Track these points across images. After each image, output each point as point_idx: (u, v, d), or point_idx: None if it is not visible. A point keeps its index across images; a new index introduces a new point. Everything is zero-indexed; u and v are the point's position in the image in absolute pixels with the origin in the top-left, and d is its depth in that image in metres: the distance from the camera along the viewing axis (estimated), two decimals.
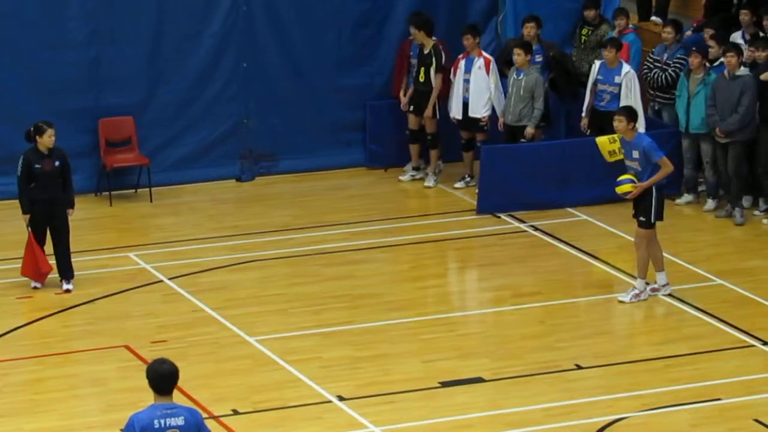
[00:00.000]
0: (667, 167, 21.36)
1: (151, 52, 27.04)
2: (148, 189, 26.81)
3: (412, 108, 26.36)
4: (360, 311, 22.06)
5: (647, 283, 21.89)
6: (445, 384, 19.49)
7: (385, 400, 19.03)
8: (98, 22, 26.70)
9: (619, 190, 22.81)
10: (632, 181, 22.59)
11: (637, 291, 21.75)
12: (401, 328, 21.37)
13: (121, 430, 13.65)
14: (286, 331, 21.12)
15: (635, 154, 21.47)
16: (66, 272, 22.54)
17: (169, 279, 23.29)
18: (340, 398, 18.93)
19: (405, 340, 21.09)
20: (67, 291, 22.39)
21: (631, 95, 24.75)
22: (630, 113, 21.60)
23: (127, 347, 20.39)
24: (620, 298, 22.00)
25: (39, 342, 21.39)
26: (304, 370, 19.68)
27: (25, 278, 22.74)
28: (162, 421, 12.82)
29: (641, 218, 21.80)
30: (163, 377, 12.96)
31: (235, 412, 18.48)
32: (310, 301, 22.32)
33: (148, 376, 13.05)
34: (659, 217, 21.89)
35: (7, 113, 25.21)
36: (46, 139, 22.10)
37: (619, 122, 22.09)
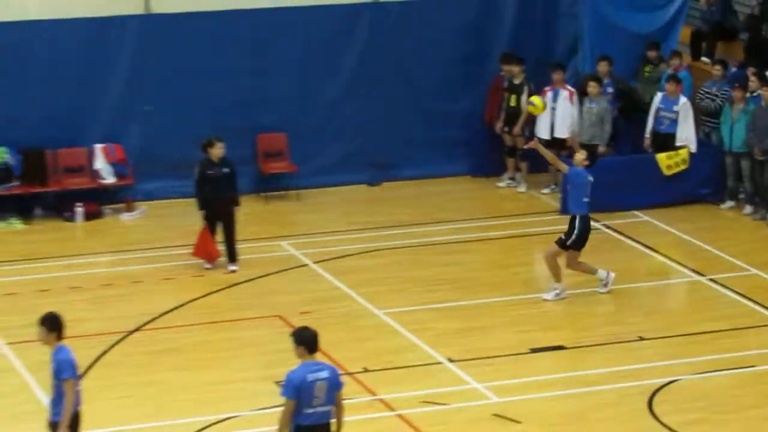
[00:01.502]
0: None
1: (299, 81, 26.94)
2: (296, 191, 26.99)
3: (506, 129, 26.36)
4: (464, 291, 22.20)
5: (556, 290, 21.07)
6: (533, 350, 19.85)
7: (485, 363, 19.40)
8: (257, 56, 26.65)
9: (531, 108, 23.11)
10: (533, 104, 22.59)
11: (557, 290, 21.17)
12: (497, 306, 21.60)
13: (281, 385, 14.08)
14: (406, 306, 21.40)
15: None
16: (232, 256, 23.01)
17: (314, 263, 23.56)
18: (450, 360, 19.28)
19: (500, 314, 21.30)
20: (233, 271, 22.91)
21: (686, 121, 25.05)
22: None
23: (280, 317, 20.87)
24: (544, 297, 21.47)
25: (210, 311, 21.69)
26: (420, 337, 20.05)
27: (199, 260, 23.05)
28: (312, 375, 13.59)
29: (561, 236, 21.29)
30: (312, 339, 13.67)
31: (365, 370, 18.88)
32: (425, 282, 22.57)
33: (299, 340, 13.77)
34: (577, 245, 21.15)
35: (188, 131, 25.29)
36: (217, 151, 22.56)
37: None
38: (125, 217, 26.17)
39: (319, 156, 27.58)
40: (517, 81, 26.75)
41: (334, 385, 14.09)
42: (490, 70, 28.02)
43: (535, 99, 23.30)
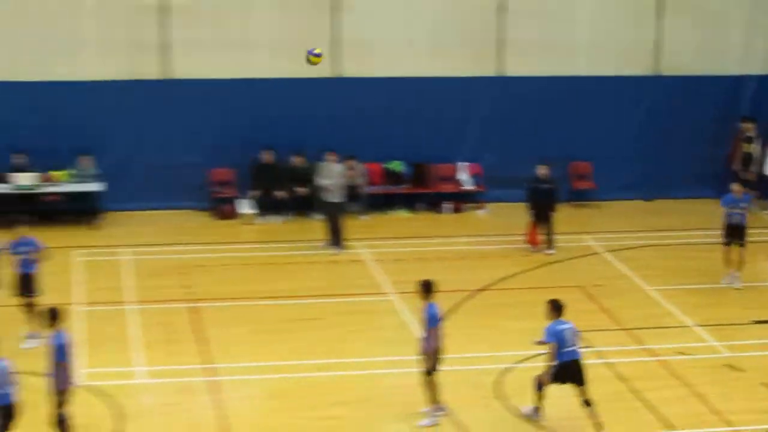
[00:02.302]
0: None
1: (606, 129, 28.91)
2: (596, 202, 28.95)
3: (742, 168, 28.32)
4: (705, 277, 23.84)
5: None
6: (756, 322, 21.56)
7: (720, 328, 21.16)
8: (576, 114, 28.69)
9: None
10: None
11: None
12: (728, 289, 23.36)
13: (543, 336, 16.73)
14: (666, 285, 23.36)
15: None
16: (550, 244, 25.10)
17: (605, 252, 25.56)
18: (696, 324, 21.15)
19: (729, 294, 23.13)
20: (550, 254, 25.11)
21: None
22: None
23: (579, 287, 23.09)
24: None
25: (532, 280, 23.58)
26: (676, 307, 22.11)
27: (528, 245, 25.26)
28: (561, 326, 16.62)
29: None
30: (560, 306, 16.80)
31: (637, 328, 21.00)
32: (679, 270, 24.36)
33: (554, 307, 16.79)
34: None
35: (525, 157, 26.38)
36: (543, 171, 24.89)
37: None
38: (478, 213, 28.29)
39: (614, 178, 28.82)
40: (750, 134, 28.27)
41: (576, 333, 16.89)
42: (731, 129, 29.23)
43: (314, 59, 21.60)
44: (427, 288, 17.09)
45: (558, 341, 16.75)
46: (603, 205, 29.10)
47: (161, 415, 17.86)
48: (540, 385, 17.14)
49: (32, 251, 20.07)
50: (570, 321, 17.05)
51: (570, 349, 16.84)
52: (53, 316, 15.88)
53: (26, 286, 20.01)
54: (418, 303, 17.26)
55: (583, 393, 16.84)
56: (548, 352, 16.74)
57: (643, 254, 25.75)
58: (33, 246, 20.13)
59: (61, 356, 15.67)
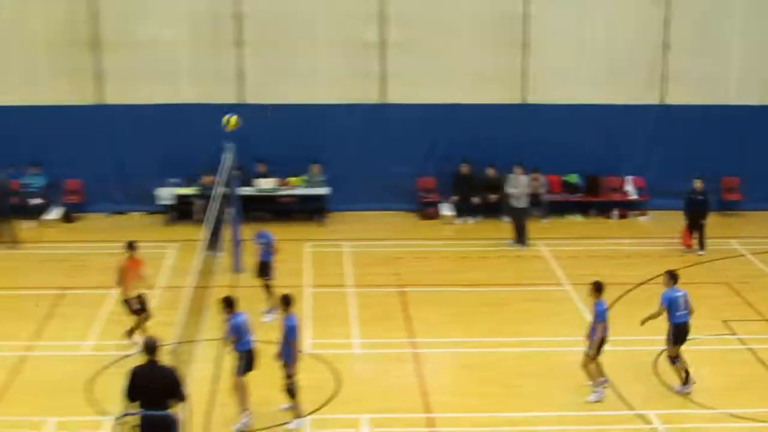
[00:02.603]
0: None
1: (752, 149, 28.01)
2: (743, 211, 28.17)
3: None
4: None
5: None
6: None
7: None
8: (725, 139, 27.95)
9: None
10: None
11: None
12: None
13: (662, 297, 17.12)
14: None
15: None
16: (701, 246, 24.58)
17: (749, 254, 24.86)
18: None
19: None
20: (701, 255, 24.50)
21: None
22: None
23: (726, 283, 22.65)
24: None
25: (683, 277, 20.64)
26: None
27: (681, 247, 24.82)
28: (675, 294, 17.12)
29: None
30: (675, 275, 17.41)
31: None
32: None
33: (670, 276, 17.34)
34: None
35: (684, 173, 25.74)
36: (698, 185, 24.54)
37: None
38: (641, 219, 27.89)
39: (759, 191, 28.19)
40: None
41: (687, 300, 17.37)
42: None
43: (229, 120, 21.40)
44: (597, 288, 17.10)
45: (671, 306, 17.24)
46: (748, 214, 28.42)
47: (372, 379, 18.23)
48: (674, 360, 17.41)
49: (269, 243, 20.66)
50: (684, 289, 17.49)
51: (682, 312, 17.33)
52: (286, 302, 16.18)
53: (264, 271, 20.60)
54: (589, 298, 17.25)
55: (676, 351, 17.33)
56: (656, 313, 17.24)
57: None
58: (269, 238, 20.72)
59: (291, 335, 16.03)
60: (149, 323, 18.91)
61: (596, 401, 17.05)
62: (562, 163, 27.89)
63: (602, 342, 17.05)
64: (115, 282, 19.25)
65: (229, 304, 16.18)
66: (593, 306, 17.08)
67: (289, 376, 16.24)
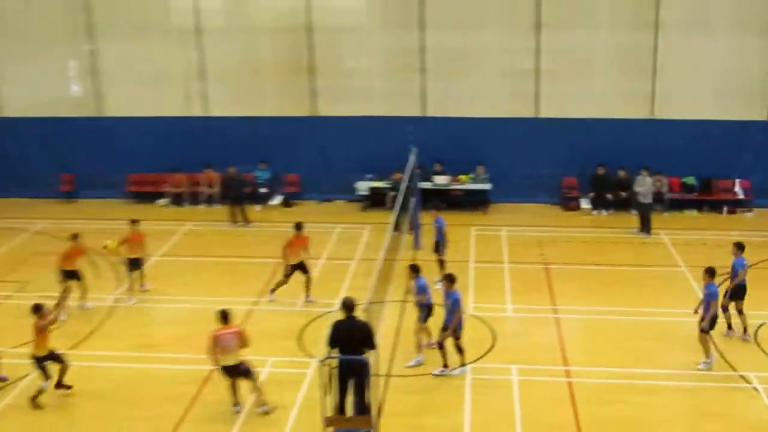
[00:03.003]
0: None
1: None
2: None
3: None
4: None
5: None
6: None
7: None
8: None
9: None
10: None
11: None
12: None
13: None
14: None
15: None
16: None
17: None
18: None
19: None
20: None
21: None
22: None
23: None
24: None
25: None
26: None
27: None
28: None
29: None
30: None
31: None
32: None
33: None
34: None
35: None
36: None
37: None
38: (747, 215, 26.72)
39: None
40: None
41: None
42: None
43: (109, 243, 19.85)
44: (710, 272, 16.67)
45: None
46: None
47: (520, 336, 18.34)
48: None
49: (442, 227, 20.79)
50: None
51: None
52: (450, 279, 16.22)
53: (438, 248, 20.69)
54: (702, 281, 16.82)
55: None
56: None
57: None
58: (442, 224, 20.83)
59: (455, 305, 16.08)
60: (346, 286, 19.32)
61: (704, 369, 16.69)
62: (681, 167, 27.15)
63: (714, 318, 16.64)
64: (281, 252, 19.74)
65: (415, 269, 16.74)
66: (705, 287, 16.64)
67: (457, 338, 16.36)
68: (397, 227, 22.11)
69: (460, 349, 16.57)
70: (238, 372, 15.05)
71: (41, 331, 15.45)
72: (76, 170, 28.71)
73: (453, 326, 16.19)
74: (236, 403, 15.37)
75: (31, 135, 28.69)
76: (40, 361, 15.61)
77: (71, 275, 19.54)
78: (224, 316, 15.16)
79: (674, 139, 26.87)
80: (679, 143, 26.89)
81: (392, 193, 24.97)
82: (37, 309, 15.64)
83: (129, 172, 28.58)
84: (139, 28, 27.75)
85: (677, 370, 16.60)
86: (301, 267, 19.62)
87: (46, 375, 15.63)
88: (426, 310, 16.89)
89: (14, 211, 27.32)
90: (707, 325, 16.63)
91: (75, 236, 19.90)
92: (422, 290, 16.81)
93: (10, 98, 28.75)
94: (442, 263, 20.61)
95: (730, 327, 18.17)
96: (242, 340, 15.05)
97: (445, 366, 16.45)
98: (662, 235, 24.69)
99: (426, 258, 21.37)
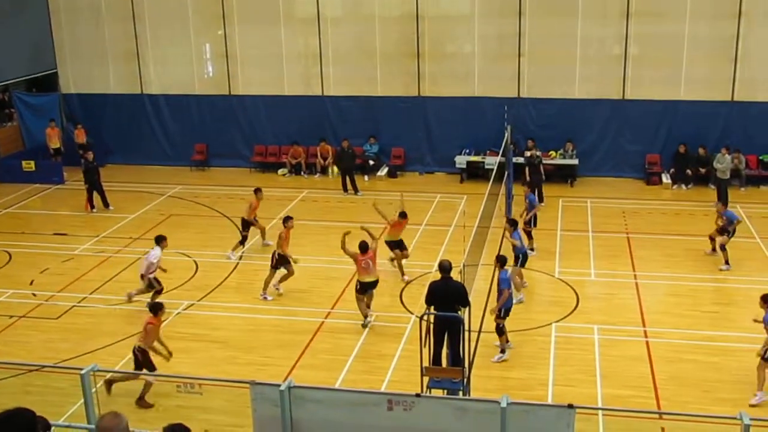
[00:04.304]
0: None
1: None
2: None
3: None
4: None
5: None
6: None
7: None
8: None
9: None
10: None
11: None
12: None
13: None
14: None
15: None
16: None
17: None
18: None
19: None
20: None
21: None
22: None
23: None
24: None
25: None
26: None
27: None
28: None
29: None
30: None
31: None
32: None
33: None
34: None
35: None
36: None
37: None
38: None
39: None
40: None
41: None
42: None
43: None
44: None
45: None
46: None
47: (602, 299, 18.10)
48: None
49: (533, 202, 20.50)
50: None
51: None
52: (501, 261, 15.25)
53: (528, 221, 20.37)
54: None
55: None
56: None
57: None
58: (534, 199, 20.61)
59: (505, 285, 15.23)
60: (443, 250, 19.32)
61: None
62: (759, 146, 26.17)
63: None
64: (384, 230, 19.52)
65: (512, 223, 17.33)
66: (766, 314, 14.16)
67: (498, 318, 15.37)
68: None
69: (501, 331, 15.54)
70: (373, 286, 16.54)
71: (152, 330, 13.98)
72: (209, 142, 29.25)
73: (499, 306, 15.32)
74: (366, 315, 16.60)
75: (170, 110, 29.44)
76: (143, 354, 13.94)
77: (246, 225, 20.68)
78: (363, 247, 16.65)
79: (753, 121, 25.92)
80: (757, 124, 25.91)
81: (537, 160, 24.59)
82: (155, 308, 14.21)
83: (254, 144, 29.01)
84: (267, 16, 28.05)
85: (749, 333, 16.06)
86: (400, 245, 19.34)
87: (152, 367, 13.99)
88: (522, 257, 17.53)
89: (154, 177, 28.12)
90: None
91: (258, 190, 20.94)
92: (516, 237, 17.51)
93: (153, 78, 29.50)
94: (530, 234, 20.40)
95: None
96: (375, 262, 16.70)
97: (502, 351, 15.60)
98: (739, 209, 23.68)
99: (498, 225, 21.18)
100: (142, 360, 13.92)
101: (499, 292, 15.40)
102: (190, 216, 23.91)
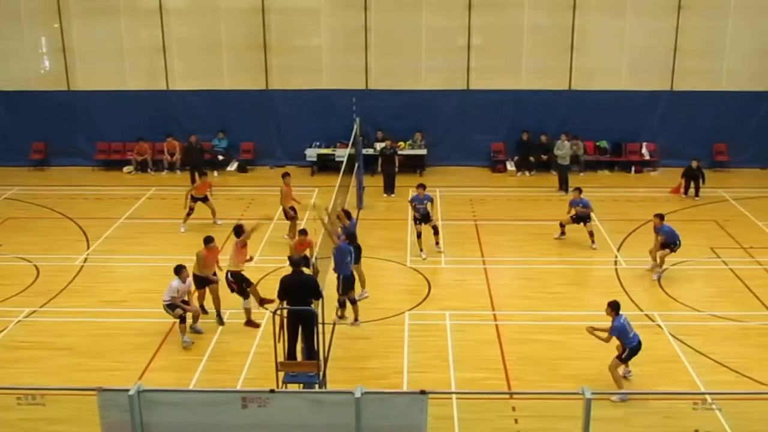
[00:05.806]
0: None
1: None
2: (730, 168, 26.59)
3: None
4: None
5: None
6: None
7: None
8: None
9: None
10: None
11: None
12: None
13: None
14: None
15: None
16: (697, 193, 23.75)
17: (733, 200, 23.63)
18: None
19: None
20: (697, 200, 23.59)
21: None
22: None
23: (714, 221, 21.85)
24: None
25: (682, 216, 22.11)
26: None
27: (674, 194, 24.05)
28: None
29: None
30: None
31: None
32: None
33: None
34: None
35: None
36: (694, 164, 23.73)
37: None
38: (653, 173, 26.73)
39: (744, 153, 26.77)
40: None
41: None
42: None
43: None
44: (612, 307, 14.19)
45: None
46: (733, 171, 27.12)
47: (453, 285, 18.39)
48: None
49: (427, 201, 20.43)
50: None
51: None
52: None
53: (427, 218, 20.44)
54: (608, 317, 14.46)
55: None
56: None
57: (759, 203, 24.00)
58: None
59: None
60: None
61: None
62: (595, 132, 27.25)
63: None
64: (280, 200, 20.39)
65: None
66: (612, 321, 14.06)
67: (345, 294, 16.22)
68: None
69: (346, 304, 16.40)
70: (209, 281, 16.47)
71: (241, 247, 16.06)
72: (48, 140, 28.00)
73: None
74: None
75: (5, 107, 27.95)
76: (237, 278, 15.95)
77: (287, 213, 20.64)
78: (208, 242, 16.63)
79: (589, 108, 26.92)
80: (594, 111, 26.93)
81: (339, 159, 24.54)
82: (239, 230, 16.31)
83: (97, 141, 28.00)
84: (106, 7, 27.04)
85: (590, 311, 16.68)
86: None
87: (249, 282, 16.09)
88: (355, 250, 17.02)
89: None
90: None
91: (286, 174, 20.82)
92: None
93: None
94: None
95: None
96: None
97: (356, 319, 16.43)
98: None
99: (364, 216, 21.35)
100: (237, 286, 15.87)
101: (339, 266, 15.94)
102: (28, 219, 22.76)
